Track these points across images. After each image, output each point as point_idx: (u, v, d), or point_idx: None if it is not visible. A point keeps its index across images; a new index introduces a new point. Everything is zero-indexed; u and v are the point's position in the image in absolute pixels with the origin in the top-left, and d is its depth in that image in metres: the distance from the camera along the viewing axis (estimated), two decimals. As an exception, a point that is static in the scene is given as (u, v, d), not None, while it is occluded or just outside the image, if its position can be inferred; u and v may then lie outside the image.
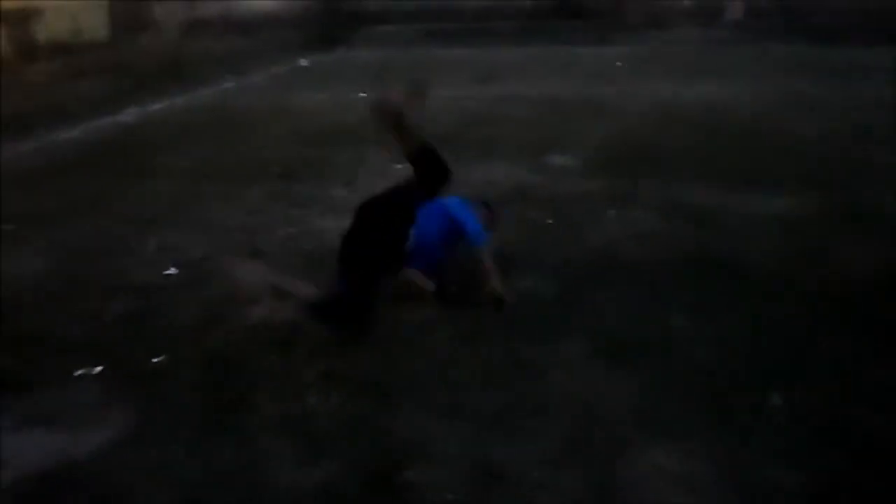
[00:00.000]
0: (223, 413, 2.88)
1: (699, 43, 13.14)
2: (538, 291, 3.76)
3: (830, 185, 5.27)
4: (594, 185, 5.38)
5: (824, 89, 8.84)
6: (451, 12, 16.91)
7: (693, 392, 2.89)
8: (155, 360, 3.28)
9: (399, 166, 6.13)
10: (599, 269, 3.99)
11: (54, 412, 2.95)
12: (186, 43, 15.56)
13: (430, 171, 3.73)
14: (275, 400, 2.93)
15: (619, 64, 11.31)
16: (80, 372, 3.23)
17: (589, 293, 3.71)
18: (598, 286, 3.78)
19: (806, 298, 3.59)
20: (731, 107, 7.87)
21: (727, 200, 4.94)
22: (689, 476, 2.44)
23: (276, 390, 2.99)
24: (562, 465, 2.51)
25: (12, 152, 7.61)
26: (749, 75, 9.69)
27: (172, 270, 4.23)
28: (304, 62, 13.42)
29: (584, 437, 2.64)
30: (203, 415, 2.88)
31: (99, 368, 3.24)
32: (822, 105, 7.98)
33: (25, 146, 7.86)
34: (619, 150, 6.29)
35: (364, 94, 9.73)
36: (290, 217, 5.11)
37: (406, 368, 3.12)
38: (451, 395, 2.92)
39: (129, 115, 9.39)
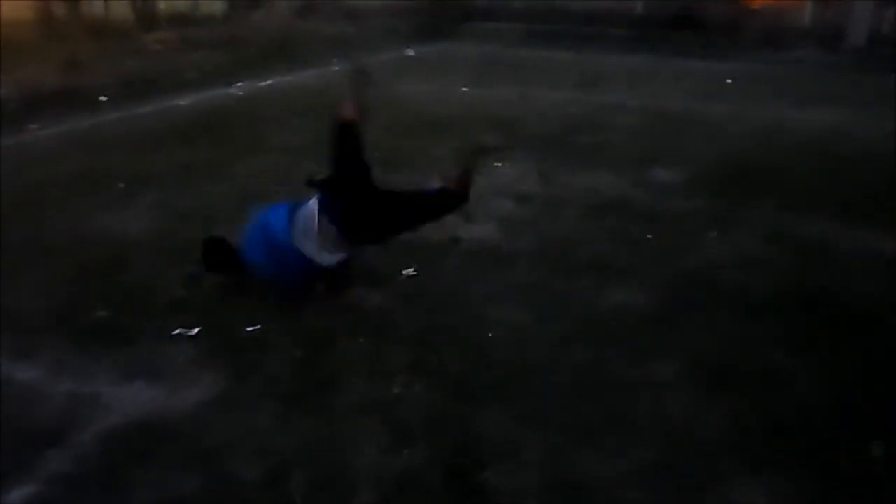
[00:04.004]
0: (311, 389, 2.94)
1: (817, 66, 12.56)
2: (632, 307, 3.68)
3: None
4: (697, 204, 5.22)
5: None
6: (559, 13, 16.76)
7: (787, 428, 2.77)
8: (250, 329, 3.38)
9: (498, 164, 6.15)
10: (697, 291, 3.87)
11: (151, 367, 3.09)
12: (297, 24, 15.98)
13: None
14: (362, 383, 2.97)
15: (729, 81, 10.94)
16: (177, 331, 3.36)
17: (684, 314, 3.60)
18: (695, 308, 3.67)
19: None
20: (846, 136, 7.47)
21: (836, 233, 4.70)
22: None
23: (364, 374, 3.03)
24: (645, 487, 2.45)
25: (129, 114, 8.00)
26: (868, 104, 9.19)
27: (272, 244, 4.34)
28: (409, 52, 13.54)
29: (671, 461, 2.57)
30: (291, 388, 2.94)
31: (196, 330, 3.36)
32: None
33: (140, 109, 8.23)
34: (724, 171, 6.08)
35: (466, 89, 9.78)
36: (386, 203, 5.15)
37: (494, 369, 3.10)
38: (537, 401, 2.89)
39: (238, 88, 9.69)
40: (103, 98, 8.67)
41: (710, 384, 3.02)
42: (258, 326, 3.40)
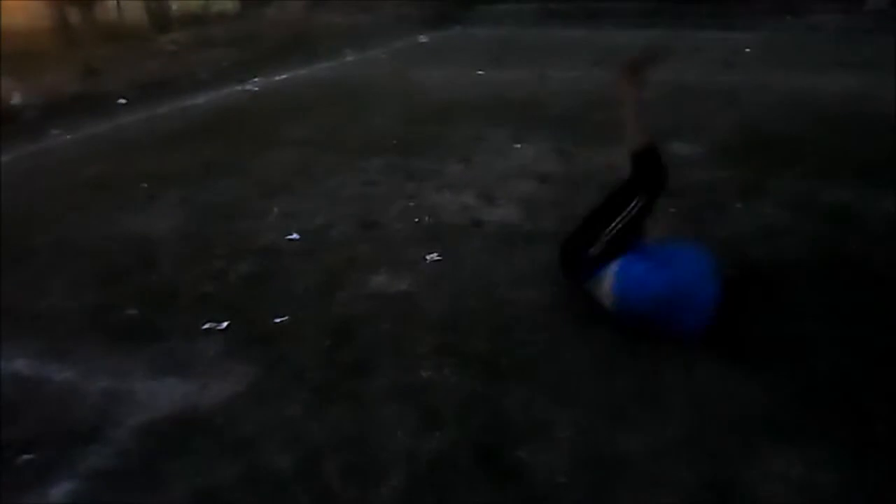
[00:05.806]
0: (340, 377, 2.96)
1: (838, 31, 12.34)
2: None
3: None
4: (720, 176, 5.16)
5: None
6: (571, -9, 16.60)
7: (818, 396, 2.74)
8: (277, 320, 3.41)
9: (518, 146, 6.13)
10: (723, 263, 3.82)
11: (182, 362, 3.13)
12: (310, 17, 15.99)
13: (650, 171, 3.52)
14: (391, 368, 2.99)
15: (748, 50, 10.78)
16: (207, 326, 3.40)
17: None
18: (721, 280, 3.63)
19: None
20: (870, 101, 7.32)
21: (864, 199, 4.63)
22: (813, 486, 2.32)
23: (392, 360, 3.05)
24: (677, 461, 2.44)
25: (148, 115, 8.07)
26: (891, 68, 9.01)
27: (295, 236, 4.38)
28: (423, 38, 13.50)
29: (702, 435, 2.56)
30: (321, 376, 2.97)
31: (225, 324, 3.40)
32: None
33: (158, 110, 8.31)
34: (746, 141, 6.01)
35: (482, 72, 9.74)
36: (406, 190, 5.17)
37: (521, 349, 3.10)
38: (566, 380, 2.89)
39: (254, 84, 9.73)
40: (122, 101, 8.78)
41: (738, 355, 3.00)
42: (286, 317, 3.43)
